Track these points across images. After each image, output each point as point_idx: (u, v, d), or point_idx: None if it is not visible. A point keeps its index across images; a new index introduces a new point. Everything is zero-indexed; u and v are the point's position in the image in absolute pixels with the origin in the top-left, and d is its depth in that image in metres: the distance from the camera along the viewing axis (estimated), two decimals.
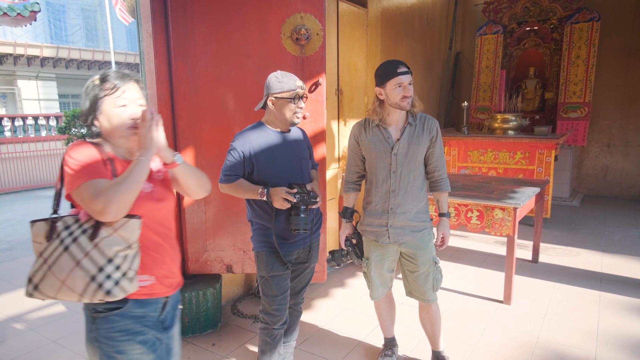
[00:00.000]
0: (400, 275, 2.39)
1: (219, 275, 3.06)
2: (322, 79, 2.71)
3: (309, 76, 2.69)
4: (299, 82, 2.01)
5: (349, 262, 2.34)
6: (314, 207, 2.00)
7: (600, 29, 5.87)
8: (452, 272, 3.81)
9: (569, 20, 6.02)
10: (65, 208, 1.37)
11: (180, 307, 1.63)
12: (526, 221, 4.93)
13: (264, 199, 1.92)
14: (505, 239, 3.21)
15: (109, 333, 1.34)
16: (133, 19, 12.44)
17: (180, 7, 2.69)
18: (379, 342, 2.70)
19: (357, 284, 3.66)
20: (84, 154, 1.31)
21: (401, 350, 2.62)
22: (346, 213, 2.32)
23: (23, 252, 4.91)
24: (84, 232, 1.27)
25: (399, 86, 2.03)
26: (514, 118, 5.51)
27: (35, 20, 7.97)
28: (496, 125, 5.61)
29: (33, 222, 1.31)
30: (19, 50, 14.73)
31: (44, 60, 15.99)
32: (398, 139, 2.12)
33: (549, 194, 5.05)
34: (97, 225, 1.27)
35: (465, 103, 5.74)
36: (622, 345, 2.64)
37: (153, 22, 2.65)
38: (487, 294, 3.39)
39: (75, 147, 1.33)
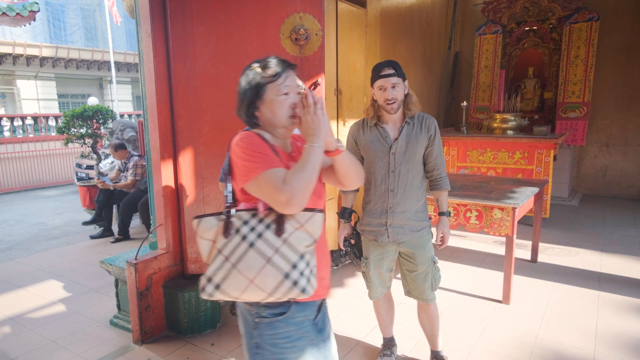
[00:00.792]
0: (399, 275, 2.39)
1: None
2: (321, 79, 2.71)
3: (308, 76, 2.69)
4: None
5: (347, 262, 2.35)
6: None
7: (599, 29, 5.87)
8: (451, 272, 3.81)
9: (568, 20, 6.02)
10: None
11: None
12: (525, 221, 4.93)
13: None
14: (504, 239, 3.21)
15: (273, 340, 1.28)
16: (120, 19, 12.45)
17: (179, 8, 2.69)
18: (378, 341, 2.70)
19: (356, 283, 3.66)
20: (256, 144, 1.25)
21: (400, 350, 2.63)
22: (344, 213, 2.32)
23: (22, 252, 4.91)
24: (267, 227, 1.20)
25: (380, 88, 2.04)
26: (513, 118, 5.51)
27: (34, 20, 7.95)
28: (495, 125, 5.62)
29: (198, 217, 1.25)
30: (18, 50, 14.73)
31: (43, 60, 15.98)
32: (396, 138, 2.12)
33: (548, 194, 5.06)
34: (281, 220, 1.21)
35: (465, 103, 5.75)
36: (621, 345, 2.65)
37: (152, 22, 2.65)
38: (486, 294, 3.39)
39: (245, 138, 1.27)
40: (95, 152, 6.35)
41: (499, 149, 5.32)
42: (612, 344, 2.66)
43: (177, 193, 2.90)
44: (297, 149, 1.41)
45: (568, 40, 6.02)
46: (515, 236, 3.10)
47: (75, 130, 6.20)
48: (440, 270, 2.29)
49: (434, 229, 2.31)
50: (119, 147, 5.26)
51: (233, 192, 1.30)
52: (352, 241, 2.31)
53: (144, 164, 5.15)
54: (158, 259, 2.84)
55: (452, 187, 2.28)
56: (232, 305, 3.28)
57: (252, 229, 1.20)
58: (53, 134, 10.62)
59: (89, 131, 6.28)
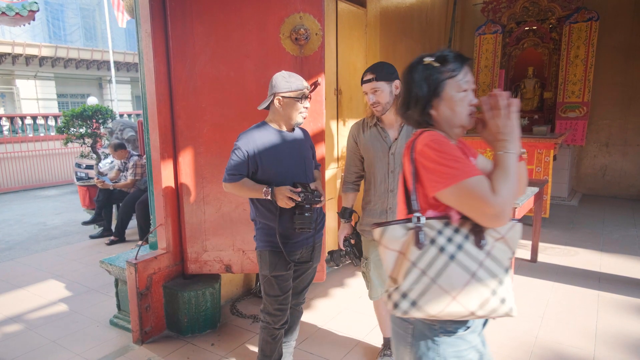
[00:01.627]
0: None
1: (218, 275, 3.06)
2: (321, 79, 2.70)
3: (308, 76, 2.69)
4: (305, 82, 2.02)
5: (347, 262, 2.34)
6: (317, 206, 2.01)
7: (599, 29, 5.88)
8: None
9: (567, 20, 6.02)
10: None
11: None
12: (525, 221, 4.93)
13: (269, 198, 1.92)
14: None
15: (457, 355, 1.17)
16: (129, 18, 12.45)
17: (179, 7, 2.68)
18: (378, 341, 2.70)
19: (356, 283, 3.66)
20: (450, 146, 1.13)
21: None
22: (345, 213, 2.32)
23: (22, 252, 4.90)
24: (465, 237, 1.10)
25: (366, 93, 2.10)
26: None
27: (33, 19, 7.93)
28: None
29: (381, 225, 1.14)
30: (18, 50, 14.72)
31: (42, 60, 15.97)
32: (396, 138, 2.13)
33: (547, 194, 5.06)
34: (479, 230, 1.10)
35: None
36: (620, 344, 2.65)
37: (152, 21, 2.65)
38: None
39: (437, 139, 1.15)
40: (95, 152, 6.34)
41: None
42: (612, 343, 2.66)
43: (177, 193, 2.90)
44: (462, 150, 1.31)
45: (568, 40, 6.02)
46: None
47: (75, 130, 6.19)
48: None
49: None
50: (119, 147, 5.26)
51: (409, 198, 1.18)
52: (352, 241, 2.31)
53: (144, 163, 5.15)
54: (158, 258, 2.84)
55: None
56: (233, 305, 3.28)
57: (450, 240, 1.10)
58: (52, 133, 10.61)
59: (89, 131, 6.28)
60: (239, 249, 2.90)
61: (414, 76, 1.22)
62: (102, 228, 5.41)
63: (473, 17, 7.29)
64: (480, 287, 1.07)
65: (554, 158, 5.14)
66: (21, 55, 15.07)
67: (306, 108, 2.04)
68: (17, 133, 10.15)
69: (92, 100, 12.36)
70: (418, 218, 1.12)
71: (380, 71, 2.05)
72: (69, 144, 6.32)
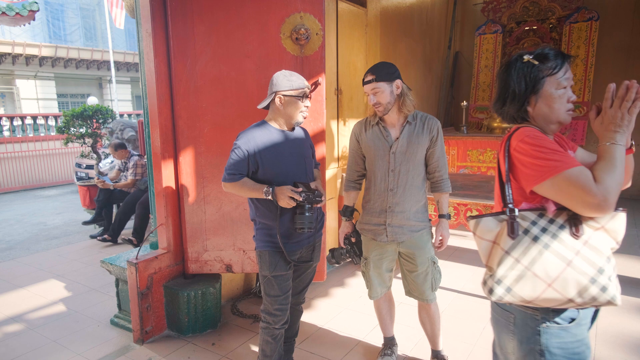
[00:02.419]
0: (399, 275, 2.39)
1: (218, 275, 3.07)
2: (322, 79, 2.71)
3: (309, 76, 2.69)
4: (306, 82, 2.02)
5: (348, 260, 2.35)
6: (318, 205, 2.01)
7: (599, 29, 5.88)
8: (451, 272, 3.82)
9: (567, 20, 6.03)
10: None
11: None
12: None
13: (269, 197, 1.92)
14: None
15: (562, 346, 1.19)
16: (122, 23, 12.45)
17: (179, 7, 2.69)
18: (378, 341, 2.70)
19: (356, 283, 3.66)
20: (546, 140, 1.15)
21: (401, 350, 2.63)
22: (346, 212, 2.33)
23: (22, 252, 4.90)
24: (560, 227, 1.12)
25: (367, 94, 2.11)
26: None
27: (33, 19, 7.94)
28: (495, 124, 5.62)
29: (475, 218, 1.20)
30: (18, 50, 14.72)
31: (42, 60, 15.97)
32: (397, 138, 2.13)
33: None
34: (576, 221, 1.13)
35: (465, 102, 5.75)
36: (620, 344, 2.65)
37: (152, 21, 2.65)
38: None
39: (532, 134, 1.17)
40: (95, 152, 6.35)
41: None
42: (612, 343, 2.67)
43: (177, 193, 2.90)
44: (559, 143, 1.32)
45: (568, 39, 6.02)
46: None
47: (75, 130, 6.20)
48: (440, 270, 2.29)
49: (433, 230, 2.31)
50: (119, 147, 5.26)
51: (504, 191, 1.23)
52: (353, 239, 2.32)
53: (144, 163, 5.15)
54: (159, 258, 2.84)
55: (452, 187, 2.27)
56: (234, 304, 3.28)
57: (544, 230, 1.13)
58: (53, 133, 10.61)
59: (89, 131, 6.28)
60: (240, 248, 2.90)
61: (511, 73, 1.24)
62: (102, 228, 5.42)
63: (473, 17, 7.29)
64: (578, 275, 1.09)
65: None
66: (21, 55, 15.07)
67: (307, 107, 2.04)
68: (17, 133, 10.15)
69: (92, 100, 12.36)
70: (511, 210, 1.17)
71: (381, 72, 2.05)
72: (70, 144, 6.33)
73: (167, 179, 2.83)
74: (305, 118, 2.06)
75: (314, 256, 2.19)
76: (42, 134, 10.59)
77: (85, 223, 5.55)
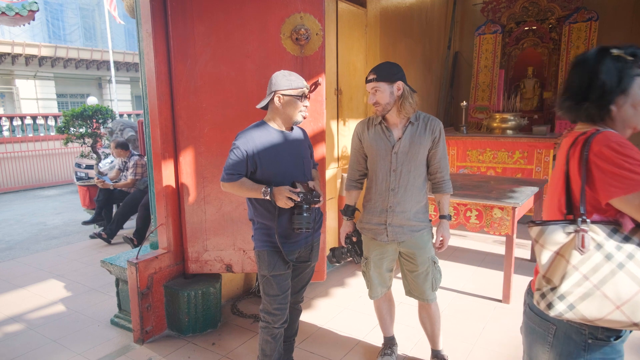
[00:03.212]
0: (399, 275, 2.39)
1: (218, 274, 3.07)
2: (322, 79, 2.71)
3: (309, 76, 2.69)
4: (305, 82, 2.02)
5: (349, 259, 2.35)
6: (316, 205, 2.01)
7: (598, 29, 5.88)
8: (451, 272, 3.82)
9: (567, 20, 6.03)
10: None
11: None
12: (525, 220, 4.94)
13: (267, 198, 1.92)
14: (504, 238, 3.22)
15: None
16: (121, 21, 12.45)
17: (179, 7, 2.69)
18: (378, 341, 2.70)
19: (356, 283, 3.67)
20: (634, 149, 1.07)
21: (401, 349, 2.63)
22: (347, 211, 2.33)
23: (22, 252, 4.90)
24: (638, 246, 1.05)
25: (369, 93, 2.11)
26: (512, 117, 5.52)
27: (33, 19, 7.94)
28: (495, 124, 5.62)
29: (538, 225, 1.13)
30: (17, 50, 14.71)
31: (42, 60, 15.96)
32: (400, 138, 2.13)
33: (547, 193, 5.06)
34: None
35: (464, 102, 5.75)
36: None
37: (153, 21, 2.66)
38: (486, 293, 3.40)
39: (618, 140, 1.08)
40: (95, 152, 6.35)
41: (499, 149, 5.33)
42: None
43: (178, 192, 2.90)
44: None
45: (567, 40, 6.03)
46: (515, 235, 3.11)
47: (75, 130, 6.20)
48: (440, 270, 2.29)
49: (434, 230, 2.31)
50: (121, 146, 5.26)
51: (569, 198, 1.15)
52: (354, 239, 2.32)
53: (144, 163, 5.15)
54: (159, 258, 2.85)
55: (452, 187, 2.28)
56: (234, 304, 3.29)
57: (618, 248, 1.05)
58: (52, 133, 10.61)
59: (89, 131, 6.28)
60: (240, 248, 2.90)
61: (599, 67, 1.14)
62: (102, 228, 5.41)
63: (473, 17, 7.29)
64: None
65: (554, 158, 5.14)
66: (21, 55, 15.06)
67: (306, 107, 2.04)
68: (17, 133, 10.14)
69: (92, 100, 12.36)
70: (584, 221, 1.08)
71: (382, 72, 2.06)
72: (69, 144, 6.32)
73: (168, 178, 2.83)
74: (305, 118, 2.07)
75: (312, 256, 2.19)
76: (41, 134, 10.59)
77: (85, 223, 5.55)
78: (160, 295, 2.88)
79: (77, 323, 3.12)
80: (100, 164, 6.33)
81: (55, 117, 10.97)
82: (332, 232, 3.95)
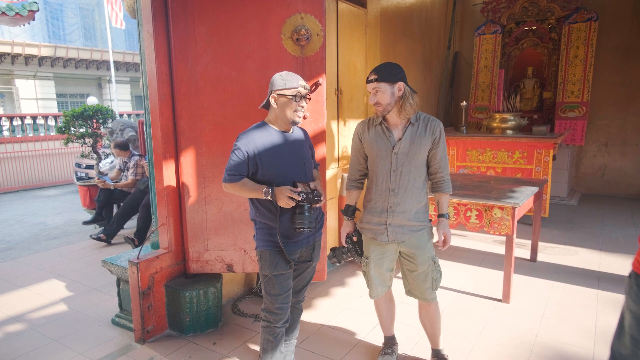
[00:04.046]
0: (400, 274, 2.40)
1: (219, 274, 3.08)
2: (323, 79, 2.72)
3: (309, 76, 2.70)
4: (302, 82, 2.03)
5: (349, 259, 2.36)
6: (317, 205, 2.02)
7: (598, 29, 5.89)
8: (451, 271, 3.83)
9: (567, 20, 6.04)
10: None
11: None
12: (525, 220, 4.95)
13: (269, 198, 1.93)
14: (504, 238, 3.23)
15: None
16: (122, 25, 12.45)
17: (180, 8, 2.69)
18: (379, 340, 2.71)
19: (357, 283, 3.67)
20: None
21: (401, 349, 2.64)
22: (348, 211, 2.34)
23: (23, 252, 4.91)
24: None
25: (370, 93, 2.12)
26: (512, 117, 5.53)
27: (33, 19, 7.93)
28: (495, 124, 5.63)
29: None
30: (17, 50, 14.71)
31: (41, 60, 15.96)
32: (400, 139, 2.14)
33: (547, 193, 5.08)
34: None
35: (464, 103, 5.76)
36: None
37: (154, 22, 2.66)
38: (486, 293, 3.41)
39: None
40: (96, 152, 6.35)
41: (499, 149, 5.33)
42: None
43: (179, 192, 2.91)
44: None
45: (567, 40, 6.04)
46: (515, 235, 3.12)
47: (75, 130, 6.20)
48: (441, 270, 2.30)
49: (434, 230, 2.32)
50: (121, 147, 5.26)
51: None
52: (355, 238, 2.33)
53: (145, 163, 5.16)
54: (160, 258, 2.85)
55: (452, 187, 2.29)
56: (234, 304, 3.29)
57: None
58: (52, 133, 10.61)
59: (89, 131, 6.28)
60: (241, 248, 2.91)
61: None
62: (102, 228, 5.42)
63: (473, 17, 7.30)
64: None
65: (554, 158, 5.16)
66: (20, 55, 15.05)
67: (302, 107, 2.05)
68: (17, 133, 10.14)
69: (92, 100, 12.36)
70: None
71: (384, 72, 2.07)
72: (70, 144, 6.33)
73: (169, 179, 2.84)
74: (305, 118, 2.08)
75: (314, 255, 2.20)
76: (41, 134, 10.59)
77: (86, 223, 5.56)
78: (161, 295, 2.88)
79: (78, 323, 3.13)
80: (100, 164, 6.34)
81: (55, 117, 10.97)
82: (332, 232, 3.96)
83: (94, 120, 6.34)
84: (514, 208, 3.06)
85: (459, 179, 3.96)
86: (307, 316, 3.07)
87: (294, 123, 2.07)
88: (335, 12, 3.77)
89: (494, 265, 3.96)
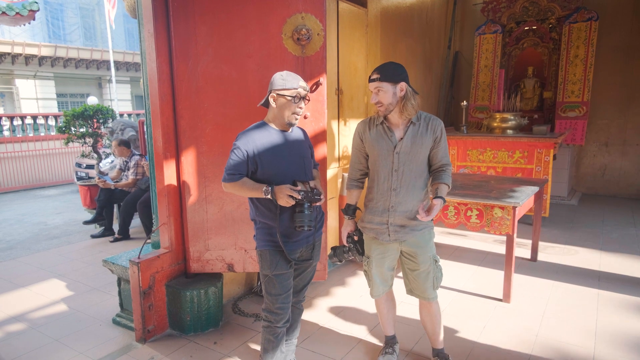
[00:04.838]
0: (400, 274, 2.40)
1: (220, 274, 3.08)
2: (323, 79, 2.72)
3: (310, 76, 2.70)
4: (302, 83, 2.03)
5: (350, 258, 2.36)
6: (317, 204, 2.02)
7: (598, 29, 5.89)
8: (452, 271, 3.83)
9: (567, 20, 6.04)
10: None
11: None
12: (525, 220, 4.95)
13: (268, 197, 1.93)
14: (504, 238, 3.23)
15: None
16: (113, 26, 12.45)
17: (181, 7, 2.70)
18: (379, 340, 2.71)
19: (357, 282, 3.68)
20: None
21: (402, 348, 2.64)
22: (349, 210, 2.34)
23: (23, 252, 4.91)
24: None
25: (371, 92, 2.12)
26: (512, 117, 5.53)
27: (33, 19, 7.93)
28: (495, 124, 5.63)
29: None
30: (17, 50, 14.71)
31: (42, 59, 15.96)
32: (401, 138, 2.14)
33: (547, 193, 5.08)
34: None
35: (465, 102, 5.76)
36: (620, 343, 2.67)
37: (155, 22, 2.66)
38: (487, 292, 3.41)
39: None
40: (96, 152, 6.36)
41: (499, 148, 5.34)
42: (611, 341, 2.68)
43: (179, 192, 2.91)
44: None
45: (567, 39, 6.04)
46: (515, 235, 3.12)
47: (76, 129, 6.21)
48: (441, 269, 2.31)
49: (435, 229, 2.32)
50: (124, 144, 5.27)
51: None
52: (356, 238, 2.33)
53: (145, 163, 5.16)
54: (161, 258, 2.85)
55: (452, 187, 2.28)
56: (235, 304, 3.30)
57: None
58: (53, 133, 10.61)
59: (90, 130, 6.29)
60: (241, 247, 2.91)
61: None
62: (103, 227, 5.42)
63: (473, 17, 7.30)
64: None
65: (554, 157, 5.16)
66: (21, 54, 15.05)
67: (300, 108, 2.04)
68: (17, 132, 10.14)
69: (92, 100, 12.35)
70: None
71: (386, 72, 2.07)
72: (70, 144, 6.33)
73: (169, 178, 2.84)
74: (305, 118, 2.08)
75: (314, 255, 2.20)
76: (42, 134, 10.59)
77: (86, 223, 5.56)
78: (162, 295, 2.89)
79: (79, 322, 3.13)
80: (101, 164, 6.34)
81: (56, 117, 10.97)
82: (333, 232, 3.96)
83: (95, 120, 6.34)
84: (514, 208, 3.06)
85: (460, 179, 3.96)
86: (307, 316, 3.07)
87: (291, 124, 2.07)
88: (336, 12, 3.77)
89: (494, 264, 3.96)
